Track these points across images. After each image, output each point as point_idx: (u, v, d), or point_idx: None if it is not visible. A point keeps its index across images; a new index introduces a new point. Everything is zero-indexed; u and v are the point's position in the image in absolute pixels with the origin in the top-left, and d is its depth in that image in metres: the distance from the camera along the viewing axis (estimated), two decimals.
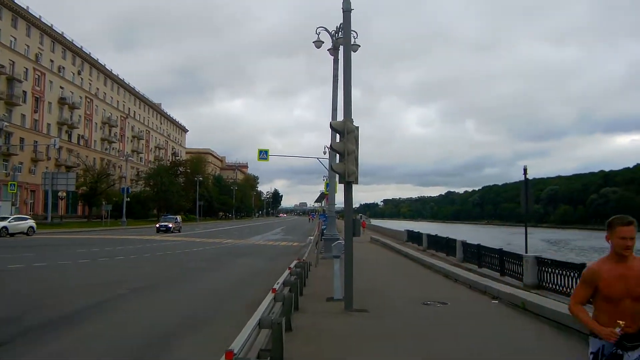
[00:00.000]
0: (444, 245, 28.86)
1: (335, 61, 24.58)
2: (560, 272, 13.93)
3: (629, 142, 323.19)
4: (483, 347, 8.54)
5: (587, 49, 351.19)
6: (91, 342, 8.85)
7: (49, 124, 78.14)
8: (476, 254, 21.94)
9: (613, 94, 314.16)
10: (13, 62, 69.15)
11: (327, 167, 27.12)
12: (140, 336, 9.33)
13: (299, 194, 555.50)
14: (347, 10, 12.07)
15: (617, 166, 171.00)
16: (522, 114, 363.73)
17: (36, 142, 72.99)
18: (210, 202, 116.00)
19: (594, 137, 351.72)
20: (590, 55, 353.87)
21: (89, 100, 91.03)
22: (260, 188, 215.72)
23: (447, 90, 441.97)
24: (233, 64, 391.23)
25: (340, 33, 22.64)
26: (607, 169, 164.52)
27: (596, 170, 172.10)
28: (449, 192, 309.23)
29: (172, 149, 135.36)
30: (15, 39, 69.88)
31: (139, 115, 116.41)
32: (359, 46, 22.86)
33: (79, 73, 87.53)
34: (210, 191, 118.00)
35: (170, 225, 53.61)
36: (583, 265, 12.90)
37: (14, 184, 55.65)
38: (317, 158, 38.10)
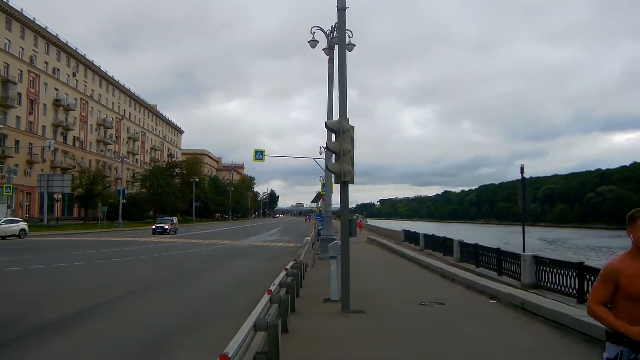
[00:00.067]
0: (441, 245, 28.79)
1: (331, 61, 24.48)
2: (559, 271, 13.86)
3: (625, 141, 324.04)
4: (482, 348, 8.45)
5: (583, 49, 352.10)
6: (87, 344, 8.77)
7: (44, 126, 77.94)
8: (473, 254, 21.88)
9: (609, 93, 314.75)
10: (7, 64, 68.96)
11: (324, 168, 27.04)
12: (137, 338, 9.23)
13: (296, 195, 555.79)
14: (341, 9, 11.97)
15: (614, 165, 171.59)
16: (518, 114, 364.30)
17: (31, 144, 72.72)
18: (206, 203, 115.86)
19: (590, 136, 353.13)
20: (586, 55, 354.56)
21: (84, 102, 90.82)
22: (256, 189, 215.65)
23: (444, 90, 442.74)
24: (229, 65, 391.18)
25: (335, 32, 22.55)
26: (603, 168, 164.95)
27: (593, 168, 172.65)
28: (445, 192, 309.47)
29: (168, 150, 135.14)
30: (9, 41, 69.67)
31: (135, 116, 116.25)
32: (354, 45, 22.77)
33: (74, 75, 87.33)
34: (207, 192, 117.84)
35: (167, 227, 53.38)
36: (581, 264, 12.87)
37: (10, 187, 55.35)
38: (314, 158, 37.99)
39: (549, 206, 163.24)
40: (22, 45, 72.66)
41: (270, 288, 8.64)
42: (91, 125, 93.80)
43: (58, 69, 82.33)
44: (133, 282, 16.68)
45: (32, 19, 74.36)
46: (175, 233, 54.04)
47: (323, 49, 24.61)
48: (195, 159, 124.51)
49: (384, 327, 9.90)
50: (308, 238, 35.94)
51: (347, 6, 12.02)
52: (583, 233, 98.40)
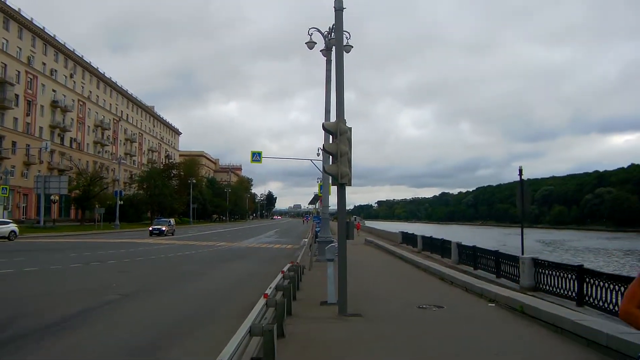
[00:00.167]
0: (439, 247, 28.69)
1: (328, 62, 24.38)
2: (558, 274, 13.76)
3: (623, 142, 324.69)
4: (482, 353, 8.35)
5: (581, 50, 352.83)
6: (79, 350, 8.64)
7: (41, 127, 77.75)
8: (472, 256, 21.77)
9: (607, 94, 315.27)
10: (5, 64, 68.78)
11: (321, 169, 26.91)
12: (131, 342, 9.12)
13: (293, 196, 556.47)
14: (339, 9, 11.87)
15: (612, 166, 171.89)
16: (516, 114, 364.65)
17: (28, 145, 72.51)
18: (204, 204, 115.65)
19: (588, 138, 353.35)
20: (584, 56, 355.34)
21: (81, 103, 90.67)
22: (254, 190, 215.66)
23: (442, 91, 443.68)
24: (228, 66, 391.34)
25: (332, 34, 22.45)
26: (601, 169, 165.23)
27: (591, 170, 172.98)
28: (443, 193, 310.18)
29: (165, 151, 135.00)
30: (7, 41, 69.49)
31: (132, 118, 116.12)
32: (352, 47, 22.71)
33: (71, 76, 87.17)
34: (204, 194, 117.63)
35: (164, 229, 53.20)
36: (581, 267, 12.77)
37: (6, 188, 55.13)
38: (311, 160, 37.88)
39: (547, 208, 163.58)
40: (19, 45, 72.48)
41: (266, 292, 8.53)
42: (88, 126, 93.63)
43: (56, 70, 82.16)
44: (128, 285, 16.52)
45: (30, 19, 74.22)
46: (173, 235, 53.87)
47: (321, 51, 24.53)
48: (193, 161, 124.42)
49: (381, 331, 9.77)
50: (306, 240, 35.83)
51: (344, 7, 11.94)
52: (581, 235, 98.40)
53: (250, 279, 18.86)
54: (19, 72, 71.79)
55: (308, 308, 11.94)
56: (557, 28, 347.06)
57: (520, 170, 20.06)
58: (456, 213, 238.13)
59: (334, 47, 19.50)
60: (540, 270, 14.92)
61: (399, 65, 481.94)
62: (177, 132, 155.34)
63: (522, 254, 19.02)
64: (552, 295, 13.70)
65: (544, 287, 14.49)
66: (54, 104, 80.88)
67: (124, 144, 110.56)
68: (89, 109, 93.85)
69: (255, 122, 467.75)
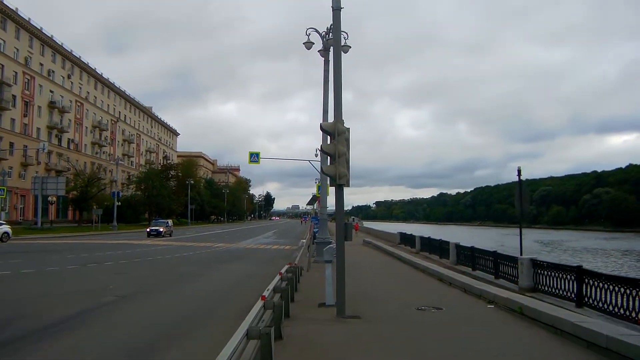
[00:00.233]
0: (437, 247, 28.65)
1: (326, 62, 24.34)
2: (557, 274, 13.72)
3: (621, 143, 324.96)
4: (481, 355, 8.30)
5: (579, 50, 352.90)
6: (74, 353, 8.58)
7: (38, 128, 77.54)
8: (470, 257, 21.74)
9: (605, 94, 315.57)
10: (2, 65, 68.53)
11: (319, 170, 26.85)
12: (129, 344, 9.08)
13: (292, 197, 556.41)
14: (336, 9, 11.80)
15: (610, 166, 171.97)
16: (514, 115, 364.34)
17: (26, 146, 72.31)
18: (202, 205, 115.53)
19: (586, 138, 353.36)
20: (582, 56, 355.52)
21: (79, 104, 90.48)
22: (252, 191, 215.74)
23: (440, 92, 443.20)
24: (226, 66, 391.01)
25: (330, 34, 22.42)
26: (599, 170, 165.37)
27: (589, 170, 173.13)
28: (441, 194, 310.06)
29: (163, 152, 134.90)
30: (4, 41, 69.27)
31: (130, 118, 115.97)
32: (350, 47, 22.64)
33: (68, 77, 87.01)
34: (202, 195, 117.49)
35: (161, 230, 53.07)
36: (580, 268, 12.72)
37: (4, 189, 54.88)
38: (309, 160, 37.84)
39: (545, 208, 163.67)
40: (17, 46, 72.26)
41: (263, 294, 8.46)
42: (86, 127, 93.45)
43: (53, 71, 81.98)
44: (125, 286, 16.42)
45: (27, 19, 74.02)
46: (170, 236, 53.78)
47: (318, 51, 24.47)
48: (191, 161, 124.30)
49: (380, 333, 9.72)
50: (304, 241, 35.76)
51: (342, 6, 11.86)
52: (579, 235, 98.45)
53: (249, 280, 18.82)
54: (16, 72, 71.59)
55: (306, 310, 11.87)
56: (556, 28, 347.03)
57: (519, 171, 20.02)
58: (454, 213, 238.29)
59: (331, 47, 19.47)
60: (539, 271, 14.87)
61: (397, 65, 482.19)
62: (175, 133, 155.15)
63: (521, 254, 18.97)
64: (551, 296, 13.66)
65: (543, 288, 14.44)
66: (52, 105, 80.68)
67: (122, 144, 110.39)
68: (87, 110, 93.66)
69: (253, 123, 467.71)
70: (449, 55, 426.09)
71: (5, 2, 68.78)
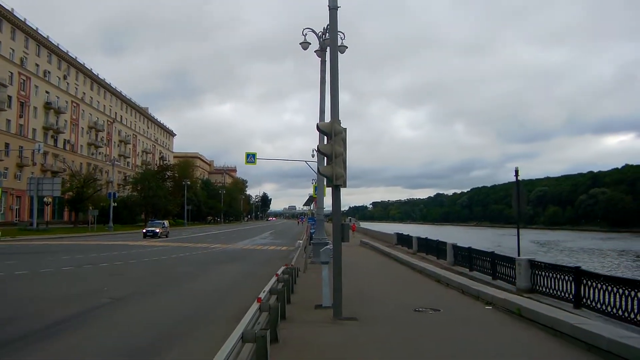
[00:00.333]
0: (434, 248, 28.58)
1: (323, 62, 24.26)
2: (555, 275, 13.64)
3: (617, 143, 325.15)
4: (479, 357, 8.24)
5: (576, 51, 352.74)
6: (73, 352, 8.57)
7: (34, 129, 77.32)
8: (467, 257, 21.66)
9: (602, 95, 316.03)
10: None
11: (316, 171, 26.78)
12: (122, 349, 8.96)
13: (289, 197, 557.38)
14: (333, 8, 11.70)
15: (606, 167, 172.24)
16: (511, 115, 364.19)
17: (21, 147, 72.14)
18: (198, 206, 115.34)
19: (582, 139, 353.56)
20: (579, 57, 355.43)
21: (75, 105, 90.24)
22: (249, 192, 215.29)
23: (436, 92, 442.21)
24: (222, 67, 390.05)
25: (327, 34, 22.33)
26: (596, 170, 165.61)
27: (585, 171, 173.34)
28: (437, 194, 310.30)
29: (160, 153, 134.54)
30: (0, 42, 69.06)
31: (126, 119, 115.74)
32: (347, 47, 22.60)
33: (64, 77, 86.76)
34: (199, 195, 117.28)
35: (158, 231, 52.92)
36: (578, 269, 12.64)
37: None
38: (306, 161, 37.72)
39: (541, 208, 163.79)
40: (12, 46, 72.02)
41: (259, 296, 8.37)
42: (82, 128, 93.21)
43: (49, 72, 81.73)
44: (120, 288, 16.30)
45: (23, 19, 73.79)
46: (167, 236, 53.66)
47: (315, 51, 24.40)
48: (187, 162, 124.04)
49: (377, 335, 9.64)
50: (300, 241, 35.69)
51: (338, 5, 11.77)
52: (575, 235, 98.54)
53: (245, 280, 18.77)
54: (11, 73, 71.35)
55: (303, 311, 11.77)
56: (553, 29, 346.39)
57: (517, 171, 19.90)
58: (451, 214, 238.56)
59: (328, 48, 19.38)
60: (536, 271, 14.79)
61: (394, 65, 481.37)
62: (171, 134, 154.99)
63: (518, 255, 18.89)
64: (549, 297, 13.58)
65: (541, 288, 14.36)
66: (48, 106, 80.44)
67: (118, 145, 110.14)
68: (83, 111, 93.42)
69: (250, 124, 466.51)
70: (445, 56, 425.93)
71: (1, 3, 68.59)
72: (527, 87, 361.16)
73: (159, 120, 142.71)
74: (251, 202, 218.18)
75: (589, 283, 11.82)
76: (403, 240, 39.65)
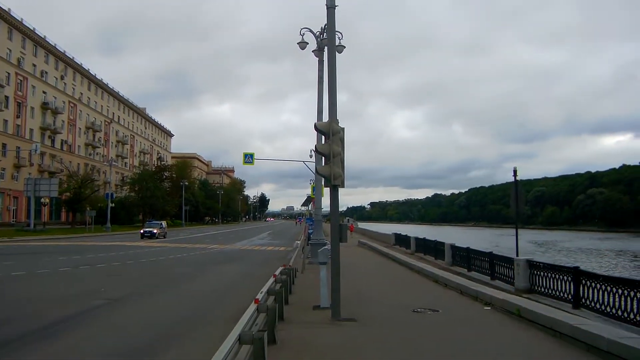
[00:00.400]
0: (432, 248, 28.54)
1: (320, 62, 24.18)
2: (553, 276, 13.61)
3: (615, 143, 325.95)
4: (479, 358, 8.17)
5: (573, 51, 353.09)
6: (66, 357, 8.46)
7: (31, 129, 77.07)
8: (465, 258, 21.62)
9: (599, 95, 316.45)
10: None
11: (314, 171, 26.70)
12: (120, 349, 8.91)
13: (287, 198, 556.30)
14: (330, 7, 11.64)
15: (604, 167, 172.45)
16: (508, 116, 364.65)
17: (19, 147, 71.91)
18: (196, 207, 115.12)
19: (580, 139, 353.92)
20: (577, 57, 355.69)
21: (72, 105, 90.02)
22: (247, 192, 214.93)
23: (434, 92, 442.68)
24: (220, 68, 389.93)
25: (324, 34, 22.25)
26: (593, 170, 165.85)
27: (582, 171, 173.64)
28: (435, 195, 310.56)
29: (158, 153, 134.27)
30: None
31: (124, 120, 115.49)
32: (344, 47, 22.54)
33: (62, 78, 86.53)
34: (196, 196, 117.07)
35: (155, 231, 52.80)
36: (577, 269, 12.60)
37: None
38: (303, 161, 37.57)
39: (539, 209, 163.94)
40: (9, 47, 71.78)
41: (257, 297, 8.29)
42: (79, 128, 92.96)
43: (46, 72, 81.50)
44: (117, 289, 16.23)
45: (20, 19, 73.57)
46: (164, 237, 53.55)
47: (313, 51, 24.32)
48: (185, 163, 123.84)
49: (376, 336, 9.58)
50: (298, 242, 35.62)
51: (336, 4, 11.71)
52: (573, 235, 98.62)
53: (244, 281, 18.74)
54: (8, 73, 71.10)
55: (301, 312, 11.72)
56: (551, 29, 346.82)
57: (515, 171, 19.90)
58: (449, 214, 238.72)
59: (326, 47, 19.32)
60: (535, 272, 14.76)
61: (392, 66, 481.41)
62: (169, 134, 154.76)
63: (517, 255, 18.86)
64: (548, 298, 13.55)
65: (539, 289, 14.33)
66: (45, 106, 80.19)
67: (116, 146, 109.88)
68: (80, 111, 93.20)
69: (248, 124, 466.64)
70: (444, 56, 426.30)
71: None
72: (525, 87, 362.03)
73: (156, 120, 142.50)
74: (249, 202, 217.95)
75: (588, 283, 11.79)
76: (401, 240, 39.62)
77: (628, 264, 47.10)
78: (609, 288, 10.89)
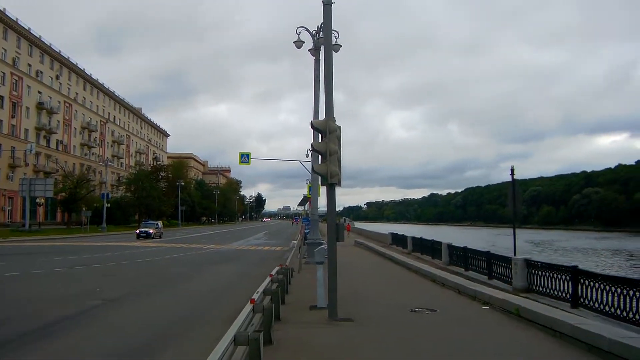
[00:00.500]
0: (429, 248, 28.48)
1: (317, 61, 24.14)
2: (551, 275, 13.55)
3: (610, 143, 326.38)
4: (478, 358, 8.09)
5: (570, 51, 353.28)
6: (65, 357, 8.41)
7: (26, 129, 76.81)
8: (463, 257, 21.56)
9: (596, 95, 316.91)
10: None
11: (310, 170, 26.62)
12: (117, 349, 8.84)
13: (283, 198, 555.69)
14: (327, 4, 11.53)
15: (599, 167, 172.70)
16: (505, 116, 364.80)
17: (14, 147, 71.71)
18: (192, 207, 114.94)
19: (576, 139, 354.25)
20: (573, 58, 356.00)
21: (67, 105, 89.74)
22: (243, 192, 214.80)
23: (432, 92, 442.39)
24: (217, 68, 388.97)
25: (321, 33, 22.17)
26: (589, 170, 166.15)
27: (578, 171, 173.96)
28: (432, 194, 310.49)
29: (153, 153, 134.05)
30: None
31: (119, 119, 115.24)
32: (341, 46, 22.35)
33: (57, 77, 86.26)
34: (193, 196, 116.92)
35: (151, 231, 52.63)
36: (575, 268, 12.53)
37: None
38: (300, 161, 37.70)
39: (535, 208, 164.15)
40: (4, 46, 71.51)
41: (253, 297, 8.20)
42: (75, 128, 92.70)
43: (41, 72, 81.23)
44: (113, 289, 16.09)
45: (15, 19, 73.31)
46: (160, 237, 53.38)
47: (309, 50, 24.26)
48: (181, 163, 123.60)
49: (373, 336, 9.48)
50: (295, 242, 35.54)
51: (333, 1, 11.60)
52: (569, 235, 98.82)
53: (240, 281, 18.67)
54: (3, 73, 70.87)
55: (297, 312, 11.62)
56: (548, 30, 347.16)
57: (512, 171, 19.85)
58: (445, 214, 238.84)
59: (322, 46, 19.23)
60: (533, 271, 14.70)
61: (389, 66, 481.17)
62: (165, 134, 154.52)
63: (515, 254, 18.80)
64: (546, 297, 13.49)
65: (537, 288, 14.27)
66: (40, 106, 79.94)
67: (111, 146, 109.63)
68: (76, 111, 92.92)
69: (244, 124, 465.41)
70: (441, 56, 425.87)
71: None
72: (523, 87, 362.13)
73: (153, 120, 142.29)
74: (245, 202, 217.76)
75: (587, 282, 11.73)
76: (398, 240, 39.56)
77: (624, 263, 47.23)
78: (607, 287, 10.83)
